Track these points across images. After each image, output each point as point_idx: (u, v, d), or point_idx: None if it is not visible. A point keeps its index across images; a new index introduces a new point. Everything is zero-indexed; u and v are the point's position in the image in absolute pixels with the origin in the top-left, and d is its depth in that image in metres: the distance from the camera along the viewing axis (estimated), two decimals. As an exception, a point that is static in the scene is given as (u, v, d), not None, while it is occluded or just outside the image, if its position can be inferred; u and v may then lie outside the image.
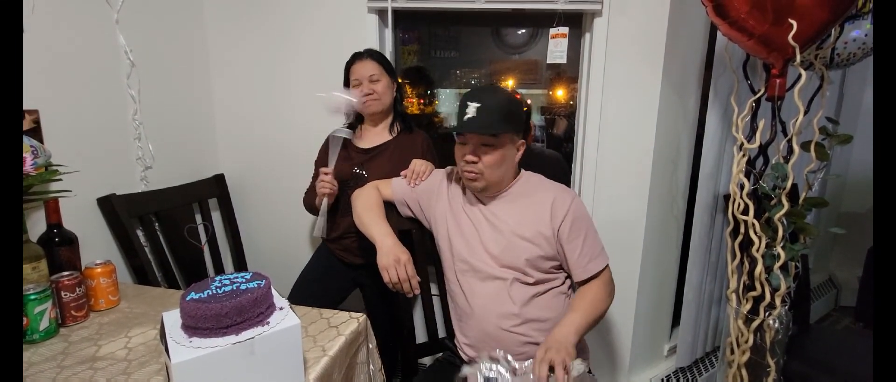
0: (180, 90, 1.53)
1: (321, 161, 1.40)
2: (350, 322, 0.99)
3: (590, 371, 1.05)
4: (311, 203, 1.40)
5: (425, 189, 1.18)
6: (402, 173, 1.23)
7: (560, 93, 1.68)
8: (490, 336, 1.04)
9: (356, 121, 1.41)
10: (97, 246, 1.24)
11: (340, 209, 1.37)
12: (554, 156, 1.63)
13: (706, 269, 1.56)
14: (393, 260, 1.02)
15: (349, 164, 1.34)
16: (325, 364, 0.85)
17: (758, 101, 1.10)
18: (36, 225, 1.04)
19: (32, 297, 0.87)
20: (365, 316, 1.03)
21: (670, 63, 1.33)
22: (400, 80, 1.49)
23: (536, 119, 3.10)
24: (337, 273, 1.45)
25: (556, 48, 1.32)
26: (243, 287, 0.75)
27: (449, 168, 1.20)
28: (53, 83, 1.12)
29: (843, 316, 2.51)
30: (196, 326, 0.70)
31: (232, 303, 0.70)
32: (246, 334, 0.71)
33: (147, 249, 1.36)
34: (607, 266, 1.06)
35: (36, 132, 1.08)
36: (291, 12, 1.53)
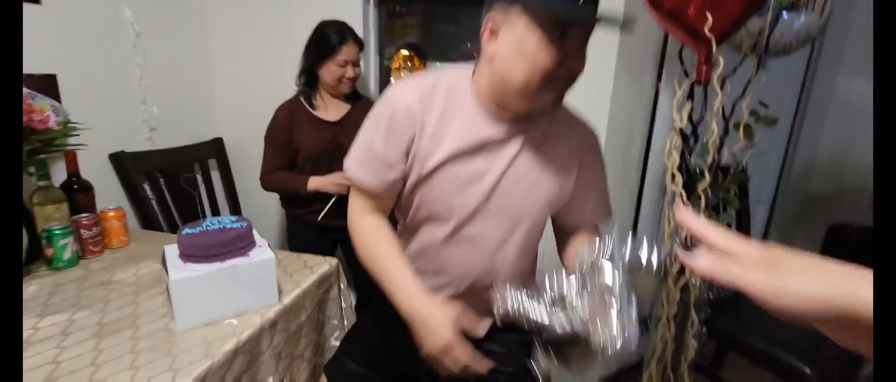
0: (182, 59, 1.68)
1: (279, 137, 1.42)
2: (322, 264, 1.17)
3: None
4: (290, 187, 1.43)
5: (407, 125, 0.75)
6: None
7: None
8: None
9: (311, 89, 1.45)
10: (110, 196, 1.42)
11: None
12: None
13: (655, 237, 1.72)
14: (441, 346, 0.68)
15: (325, 137, 1.43)
16: (298, 293, 1.02)
17: (691, 85, 1.23)
18: (58, 174, 1.21)
19: (57, 232, 1.05)
20: (336, 260, 1.20)
21: (626, 48, 1.44)
22: (408, 54, 1.57)
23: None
24: (318, 244, 1.49)
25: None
26: (229, 226, 0.92)
27: (408, 85, 0.77)
28: (68, 51, 1.28)
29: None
30: (190, 254, 0.88)
31: (219, 237, 0.88)
32: (230, 262, 0.88)
33: (153, 201, 1.55)
34: None
35: (55, 94, 1.24)
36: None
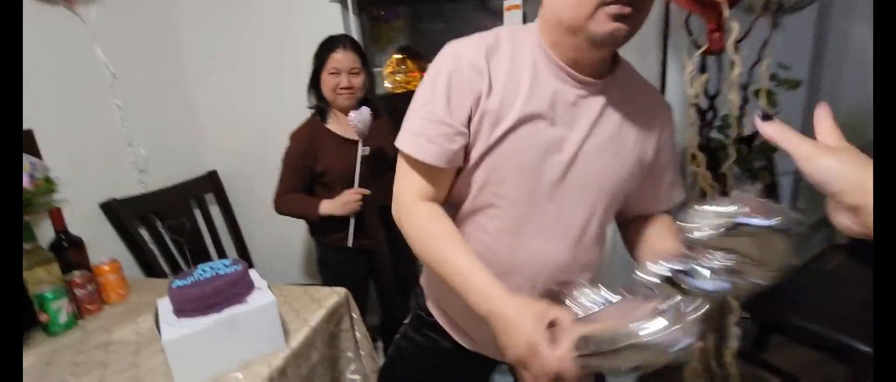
0: (162, 95, 1.62)
1: (297, 161, 1.35)
2: (331, 296, 1.09)
3: None
4: (301, 212, 1.37)
5: (472, 79, 0.63)
6: (356, 194, 1.27)
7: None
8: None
9: (324, 104, 1.37)
10: (106, 246, 1.36)
11: (366, 213, 1.36)
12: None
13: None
14: (528, 348, 0.55)
15: (353, 154, 1.32)
16: (307, 333, 0.95)
17: (703, 55, 1.13)
18: (46, 234, 1.16)
19: (49, 296, 1.00)
20: (346, 290, 1.13)
21: (626, 23, 1.35)
22: (401, 57, 1.48)
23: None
24: (356, 268, 1.46)
25: (512, 20, 1.36)
26: (222, 272, 0.86)
27: (467, 40, 0.67)
28: (43, 102, 1.22)
29: (834, 254, 2.54)
30: (183, 308, 0.81)
31: (212, 286, 0.81)
32: (227, 311, 0.82)
33: (153, 246, 1.49)
34: None
35: (33, 150, 1.18)
36: (257, 9, 1.58)
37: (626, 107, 0.67)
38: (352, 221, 1.35)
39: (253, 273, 0.94)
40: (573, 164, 0.66)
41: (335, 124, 1.37)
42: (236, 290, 0.84)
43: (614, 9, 0.55)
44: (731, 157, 1.13)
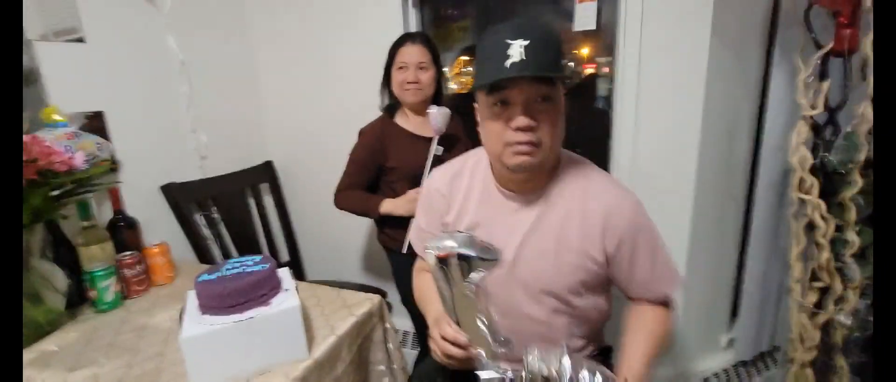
0: (228, 84, 1.66)
1: (366, 157, 1.33)
2: (363, 303, 1.03)
3: None
4: (361, 208, 1.33)
5: (436, 203, 0.91)
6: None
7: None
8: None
9: (395, 103, 1.34)
10: (162, 228, 1.41)
11: None
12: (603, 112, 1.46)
13: (773, 255, 1.37)
14: (435, 323, 0.77)
15: (426, 152, 1.28)
16: (332, 342, 0.89)
17: (825, 57, 0.91)
18: (106, 213, 1.21)
19: (98, 274, 1.02)
20: (380, 297, 1.06)
21: (722, 17, 1.15)
22: (468, 58, 1.42)
23: (604, 91, 2.87)
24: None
25: (584, 13, 1.21)
26: (249, 270, 0.81)
27: (438, 171, 0.94)
28: (114, 86, 1.28)
29: None
30: (207, 304, 0.77)
31: (233, 285, 0.77)
32: (249, 312, 0.77)
33: (207, 231, 1.53)
34: None
35: (102, 131, 1.24)
36: (326, 3, 1.57)
37: (569, 213, 0.79)
38: (411, 224, 1.27)
39: (283, 272, 0.89)
40: (515, 266, 0.81)
41: (405, 121, 1.34)
42: (261, 291, 0.79)
43: (515, 148, 0.72)
44: (855, 185, 0.91)
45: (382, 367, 1.06)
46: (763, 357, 1.53)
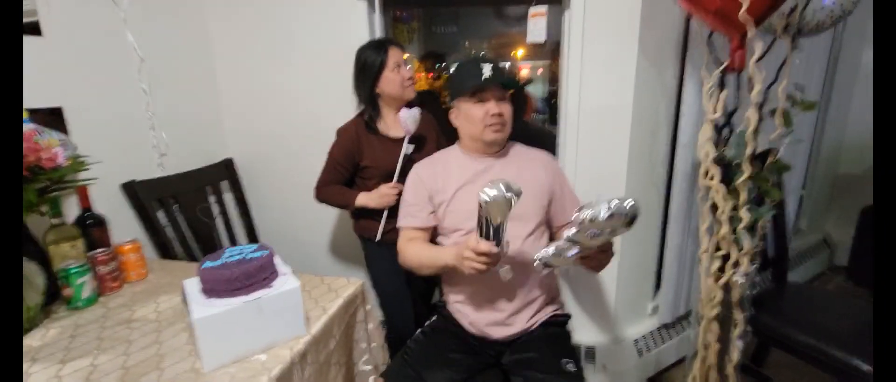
0: (187, 82, 1.64)
1: (342, 155, 1.40)
2: (347, 287, 1.12)
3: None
4: (338, 202, 1.44)
5: (423, 185, 1.21)
6: (393, 189, 1.34)
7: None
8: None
9: (375, 112, 1.40)
10: (124, 226, 1.38)
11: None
12: (550, 133, 1.70)
13: (687, 233, 1.65)
14: (462, 259, 1.00)
15: (397, 152, 1.36)
16: (325, 320, 0.98)
17: (723, 73, 1.16)
18: (70, 209, 1.18)
19: (74, 271, 1.02)
20: (361, 281, 1.15)
21: (647, 37, 1.38)
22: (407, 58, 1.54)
23: (540, 91, 3.13)
24: (391, 263, 1.41)
25: (536, 27, 1.38)
26: (250, 256, 0.88)
27: (420, 163, 1.26)
28: (73, 82, 1.24)
29: (834, 275, 2.58)
30: (212, 289, 0.83)
31: (240, 269, 0.83)
32: (254, 294, 0.84)
33: (168, 229, 1.51)
34: None
35: (61, 127, 1.20)
36: (286, 2, 1.61)
37: (522, 164, 1.22)
38: (384, 215, 1.39)
39: (277, 259, 0.96)
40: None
41: (380, 123, 1.42)
42: (263, 274, 0.87)
43: (491, 128, 1.15)
44: (745, 173, 1.16)
45: (363, 345, 1.16)
46: (680, 320, 1.82)
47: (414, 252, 1.19)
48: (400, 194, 1.31)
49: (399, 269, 1.30)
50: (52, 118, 1.19)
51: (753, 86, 1.12)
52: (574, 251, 0.96)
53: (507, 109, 1.16)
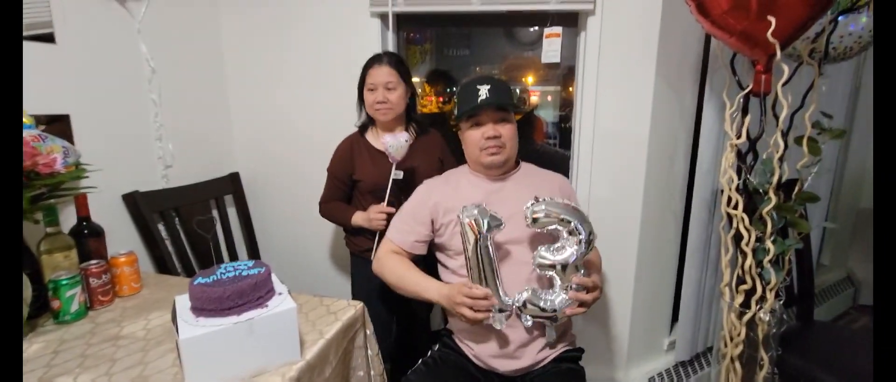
0: (198, 94, 1.63)
1: (338, 170, 1.40)
2: (347, 309, 1.06)
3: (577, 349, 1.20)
4: (338, 219, 1.43)
5: (430, 202, 1.17)
6: (380, 213, 1.29)
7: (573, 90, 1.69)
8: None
9: (369, 121, 1.42)
10: (122, 237, 1.35)
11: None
12: (560, 154, 1.66)
13: (705, 265, 1.57)
14: (454, 304, 1.02)
15: (386, 169, 1.32)
16: (322, 345, 0.91)
17: (747, 97, 1.11)
18: (68, 218, 1.15)
19: (64, 282, 0.97)
20: (362, 304, 1.09)
21: (665, 59, 1.34)
22: (417, 82, 1.53)
23: (550, 116, 3.11)
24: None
25: (550, 48, 1.36)
26: (245, 273, 0.83)
27: (432, 180, 1.26)
28: (82, 89, 1.23)
29: (860, 314, 2.45)
30: (202, 307, 0.78)
31: (233, 287, 0.78)
32: (247, 315, 0.78)
33: (168, 242, 1.47)
34: None
35: (68, 134, 1.19)
36: (300, 19, 1.61)
37: (535, 186, 1.16)
38: (377, 237, 1.33)
39: (274, 277, 0.91)
40: (509, 220, 1.07)
41: (374, 138, 1.40)
42: (258, 293, 0.81)
43: (487, 151, 1.12)
44: (770, 202, 1.10)
45: (361, 373, 1.09)
46: (699, 357, 1.72)
47: (394, 268, 1.15)
48: (389, 218, 1.27)
49: (384, 293, 1.27)
50: (60, 125, 1.17)
51: (778, 112, 1.07)
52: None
53: (507, 130, 1.11)
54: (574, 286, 1.01)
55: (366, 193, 1.40)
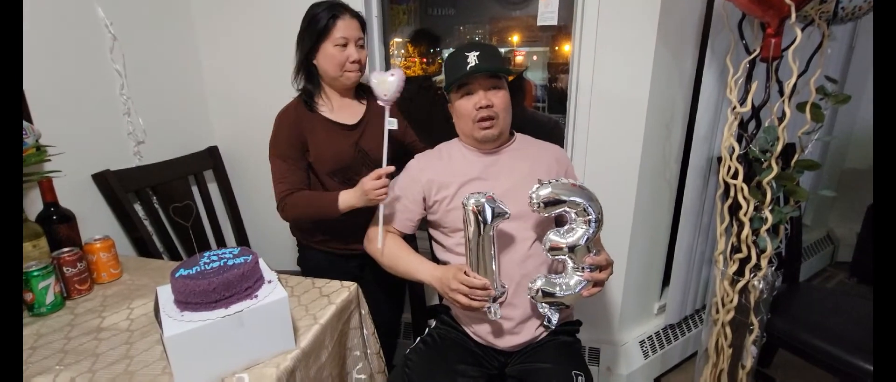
0: (167, 62, 1.51)
1: (292, 147, 1.15)
2: (341, 291, 1.02)
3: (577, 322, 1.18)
4: (316, 211, 1.13)
5: (423, 179, 1.10)
6: (378, 180, 1.03)
7: (567, 49, 1.60)
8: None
9: (313, 87, 1.18)
10: (97, 221, 1.27)
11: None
12: (552, 121, 1.61)
13: (697, 231, 1.57)
14: (448, 289, 0.99)
15: (346, 144, 1.17)
16: (317, 331, 0.89)
17: (753, 62, 1.06)
18: (33, 204, 1.07)
19: (35, 274, 0.91)
20: (356, 285, 1.06)
21: (666, 21, 1.27)
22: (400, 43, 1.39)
23: (538, 78, 3.03)
24: (349, 268, 1.28)
25: (547, 9, 1.27)
26: (230, 263, 0.78)
27: (421, 155, 1.17)
28: (37, 63, 1.11)
29: (837, 271, 2.54)
30: (187, 301, 0.73)
31: (219, 279, 0.73)
32: (235, 307, 0.74)
33: (147, 222, 1.40)
34: None
35: (25, 113, 1.08)
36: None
37: (532, 158, 1.12)
38: (380, 215, 1.10)
39: (262, 264, 0.86)
40: (505, 197, 0.99)
41: (326, 108, 1.17)
42: (246, 283, 0.77)
43: (480, 125, 1.06)
44: (772, 171, 1.07)
45: (358, 353, 1.07)
46: (687, 320, 1.76)
47: (388, 247, 1.11)
48: (391, 180, 1.08)
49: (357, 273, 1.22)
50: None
51: (781, 77, 1.03)
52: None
53: (499, 99, 1.04)
54: (587, 266, 0.99)
55: (325, 177, 1.17)
